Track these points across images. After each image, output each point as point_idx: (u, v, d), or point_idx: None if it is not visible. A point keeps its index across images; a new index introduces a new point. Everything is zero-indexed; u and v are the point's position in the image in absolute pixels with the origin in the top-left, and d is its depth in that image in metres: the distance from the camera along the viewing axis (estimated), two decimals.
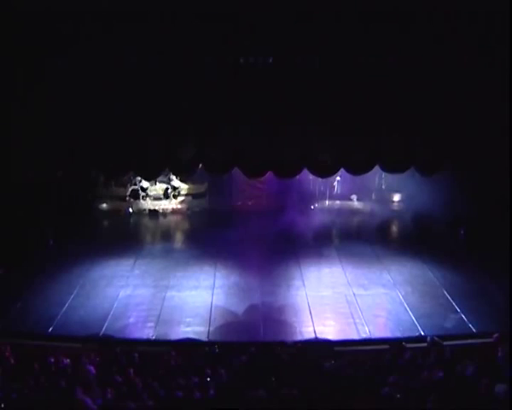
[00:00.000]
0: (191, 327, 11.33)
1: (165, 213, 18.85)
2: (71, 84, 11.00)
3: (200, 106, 11.36)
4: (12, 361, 9.43)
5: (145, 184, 18.91)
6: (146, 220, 18.53)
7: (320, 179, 18.99)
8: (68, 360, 9.31)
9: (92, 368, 8.98)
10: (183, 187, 19.29)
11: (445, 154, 11.94)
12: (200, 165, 12.84)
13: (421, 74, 11.04)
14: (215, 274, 13.80)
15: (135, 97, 11.28)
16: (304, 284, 13.20)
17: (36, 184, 14.62)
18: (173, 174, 13.29)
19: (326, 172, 13.07)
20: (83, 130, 11.49)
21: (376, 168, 17.88)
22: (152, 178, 13.20)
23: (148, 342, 10.86)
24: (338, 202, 19.07)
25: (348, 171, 12.88)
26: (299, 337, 10.86)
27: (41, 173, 13.04)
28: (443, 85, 11.08)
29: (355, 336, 11.06)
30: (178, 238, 17.71)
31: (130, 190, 18.94)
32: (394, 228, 17.64)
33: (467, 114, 11.26)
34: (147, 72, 11.04)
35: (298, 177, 18.88)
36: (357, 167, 12.77)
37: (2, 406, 7.88)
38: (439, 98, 11.19)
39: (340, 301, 12.37)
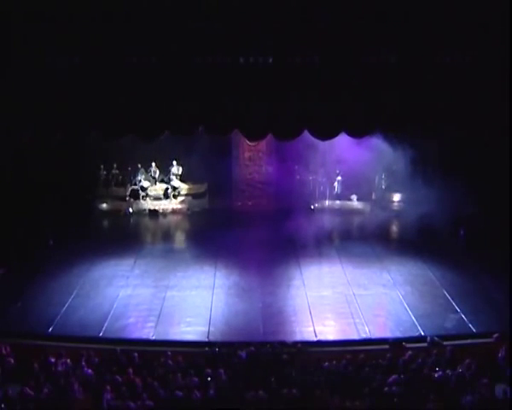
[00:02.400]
0: (191, 327, 11.30)
1: (165, 213, 18.84)
2: (70, 45, 10.95)
3: (202, 69, 11.39)
4: (12, 361, 9.44)
5: (145, 184, 18.93)
6: (146, 220, 18.51)
7: (320, 179, 19.05)
8: (68, 361, 9.32)
9: (90, 371, 8.99)
10: (183, 187, 19.29)
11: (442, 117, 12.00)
12: (201, 127, 12.79)
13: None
14: (215, 274, 13.78)
15: (137, 58, 11.25)
16: (304, 284, 13.19)
17: (36, 183, 14.67)
18: (172, 134, 13.22)
19: (326, 134, 12.96)
20: (81, 89, 11.39)
21: (376, 168, 18.21)
22: (151, 140, 13.10)
23: (148, 342, 10.84)
24: (338, 202, 19.03)
25: (349, 134, 12.81)
26: (299, 337, 10.85)
27: (38, 137, 12.84)
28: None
29: (355, 336, 11.03)
30: (178, 238, 17.72)
31: (130, 190, 18.94)
32: (394, 228, 17.62)
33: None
34: (148, 35, 11.09)
35: (298, 177, 19.13)
36: (358, 130, 12.66)
37: (3, 406, 7.89)
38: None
39: (340, 301, 12.35)
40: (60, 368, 9.09)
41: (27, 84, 11.20)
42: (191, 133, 13.05)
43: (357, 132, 12.85)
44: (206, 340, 10.80)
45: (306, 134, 17.05)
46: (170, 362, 9.44)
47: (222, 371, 8.92)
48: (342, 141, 17.39)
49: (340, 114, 12.05)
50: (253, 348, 9.81)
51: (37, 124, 11.85)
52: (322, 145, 17.67)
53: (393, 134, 13.66)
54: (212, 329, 11.23)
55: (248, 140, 14.36)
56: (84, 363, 9.21)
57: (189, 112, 11.87)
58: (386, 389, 8.30)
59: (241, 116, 12.10)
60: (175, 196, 19.16)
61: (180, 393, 8.24)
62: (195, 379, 8.80)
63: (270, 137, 18.69)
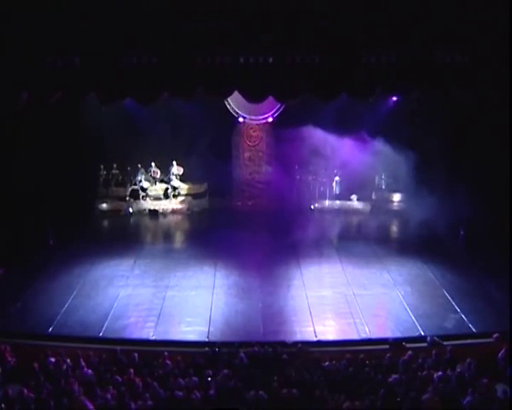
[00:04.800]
0: (191, 327, 11.30)
1: (165, 213, 18.85)
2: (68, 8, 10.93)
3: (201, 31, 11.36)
4: (12, 361, 9.43)
5: (145, 184, 18.93)
6: (146, 220, 18.53)
7: (320, 179, 19.04)
8: (68, 360, 9.32)
9: (90, 371, 8.99)
10: (183, 187, 19.31)
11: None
12: (200, 88, 12.64)
13: None
14: (215, 274, 13.78)
15: (133, 21, 11.21)
16: (304, 284, 13.18)
17: (36, 183, 14.65)
18: (170, 96, 13.15)
19: (327, 94, 12.86)
20: (79, 51, 11.37)
21: (376, 168, 18.21)
22: (149, 103, 13.01)
23: (148, 342, 10.85)
24: (338, 202, 19.04)
25: (350, 94, 12.75)
26: (299, 337, 10.84)
27: (35, 98, 12.59)
28: None
29: (355, 336, 11.03)
30: (178, 238, 17.72)
31: (130, 190, 18.96)
32: (394, 228, 17.63)
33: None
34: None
35: (298, 176, 19.11)
36: (358, 90, 12.57)
37: (3, 406, 7.89)
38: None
39: (340, 301, 12.35)
40: (60, 368, 9.09)
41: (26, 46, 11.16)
42: (190, 95, 12.90)
43: (358, 93, 12.75)
44: (206, 340, 10.80)
45: (308, 135, 17.19)
46: (170, 362, 9.44)
47: (222, 371, 8.92)
48: (345, 145, 17.49)
49: (341, 74, 11.93)
50: (256, 349, 9.81)
51: (36, 83, 11.70)
52: (325, 149, 17.69)
53: (394, 95, 13.61)
54: (212, 329, 11.23)
55: (248, 101, 14.29)
56: (83, 363, 9.21)
57: (188, 72, 11.79)
58: (386, 389, 8.29)
59: (241, 77, 12.00)
60: (175, 196, 19.18)
61: (180, 393, 8.24)
62: (195, 379, 8.80)
63: (270, 137, 18.93)
